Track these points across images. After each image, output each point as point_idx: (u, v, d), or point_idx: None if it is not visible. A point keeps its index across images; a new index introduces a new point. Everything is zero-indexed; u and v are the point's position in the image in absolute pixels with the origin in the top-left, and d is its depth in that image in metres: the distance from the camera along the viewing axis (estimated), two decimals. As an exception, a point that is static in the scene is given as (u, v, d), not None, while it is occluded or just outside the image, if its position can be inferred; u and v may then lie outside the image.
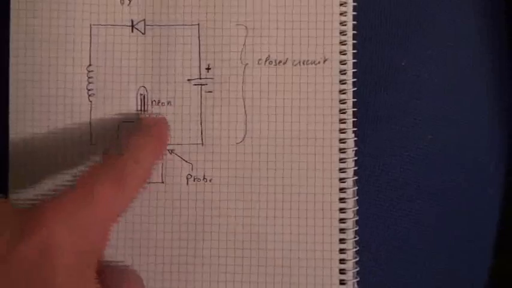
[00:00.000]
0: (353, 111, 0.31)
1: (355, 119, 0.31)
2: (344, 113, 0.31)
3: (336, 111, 0.31)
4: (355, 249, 0.31)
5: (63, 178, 0.31)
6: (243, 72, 0.32)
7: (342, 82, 0.31)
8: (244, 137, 0.32)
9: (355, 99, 0.31)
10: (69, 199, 0.23)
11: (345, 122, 0.31)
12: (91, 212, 0.23)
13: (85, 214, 0.23)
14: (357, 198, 0.31)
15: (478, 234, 0.34)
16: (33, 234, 0.22)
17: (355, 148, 0.31)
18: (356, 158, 0.31)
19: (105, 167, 0.26)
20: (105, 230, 0.24)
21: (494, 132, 0.34)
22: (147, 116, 0.31)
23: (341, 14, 0.31)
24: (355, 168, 0.31)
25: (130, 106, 0.32)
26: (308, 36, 0.31)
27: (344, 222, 0.31)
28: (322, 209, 0.31)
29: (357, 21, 0.31)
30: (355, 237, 0.31)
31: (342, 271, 0.31)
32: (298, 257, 0.31)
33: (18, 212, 0.23)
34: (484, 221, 0.34)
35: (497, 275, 0.33)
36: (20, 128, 0.32)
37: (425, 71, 0.33)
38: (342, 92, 0.31)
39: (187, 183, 0.32)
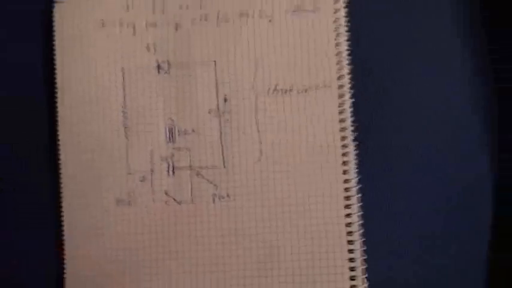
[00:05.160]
0: (351, 121, 0.35)
1: (355, 125, 0.35)
2: (343, 121, 0.35)
3: (337, 127, 0.35)
4: (360, 230, 0.34)
5: (107, 201, 0.36)
6: (255, 101, 0.35)
7: (341, 105, 0.35)
8: (260, 157, 0.35)
9: (352, 118, 0.35)
10: None
11: (345, 130, 0.35)
12: None
13: None
14: (360, 195, 0.34)
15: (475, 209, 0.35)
16: None
17: (356, 151, 0.35)
18: (357, 169, 0.35)
19: None
20: None
21: (485, 122, 0.36)
22: None
23: (336, 44, 0.35)
24: (359, 177, 0.35)
25: (161, 137, 0.36)
26: (309, 65, 0.35)
27: (349, 207, 0.35)
28: (330, 216, 0.34)
29: (352, 47, 0.35)
30: (359, 218, 0.34)
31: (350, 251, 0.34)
32: (313, 266, 0.34)
33: None
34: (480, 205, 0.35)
35: (493, 268, 0.35)
36: (69, 165, 0.36)
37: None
38: (341, 112, 0.35)
39: (213, 202, 0.35)
